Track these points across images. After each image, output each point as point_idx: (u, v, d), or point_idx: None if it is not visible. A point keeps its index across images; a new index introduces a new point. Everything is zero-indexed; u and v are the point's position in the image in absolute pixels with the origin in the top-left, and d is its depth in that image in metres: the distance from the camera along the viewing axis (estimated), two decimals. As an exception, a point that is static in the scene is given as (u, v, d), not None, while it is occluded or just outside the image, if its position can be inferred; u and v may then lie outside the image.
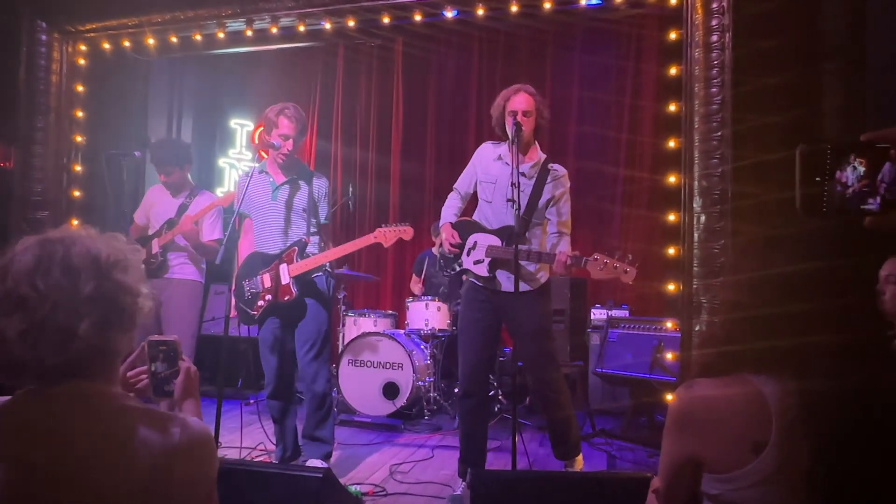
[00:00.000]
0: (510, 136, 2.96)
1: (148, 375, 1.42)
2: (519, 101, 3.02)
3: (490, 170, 3.15)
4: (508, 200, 2.84)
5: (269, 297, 3.29)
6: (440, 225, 3.29)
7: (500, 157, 3.13)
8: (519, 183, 2.82)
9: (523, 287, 2.98)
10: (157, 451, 1.07)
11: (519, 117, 2.98)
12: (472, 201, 3.36)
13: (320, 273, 3.33)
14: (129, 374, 1.41)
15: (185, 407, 1.40)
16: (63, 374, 1.09)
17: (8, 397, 1.12)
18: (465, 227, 3.20)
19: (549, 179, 3.08)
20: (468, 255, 3.14)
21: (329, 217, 3.46)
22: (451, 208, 3.29)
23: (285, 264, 3.25)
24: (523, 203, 2.94)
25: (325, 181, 3.45)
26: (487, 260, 3.07)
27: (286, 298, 3.25)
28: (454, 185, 3.34)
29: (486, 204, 3.17)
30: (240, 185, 3.45)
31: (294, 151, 3.33)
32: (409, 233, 3.24)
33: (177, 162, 3.86)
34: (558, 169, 3.13)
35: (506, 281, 3.04)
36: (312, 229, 3.37)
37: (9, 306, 1.07)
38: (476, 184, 3.22)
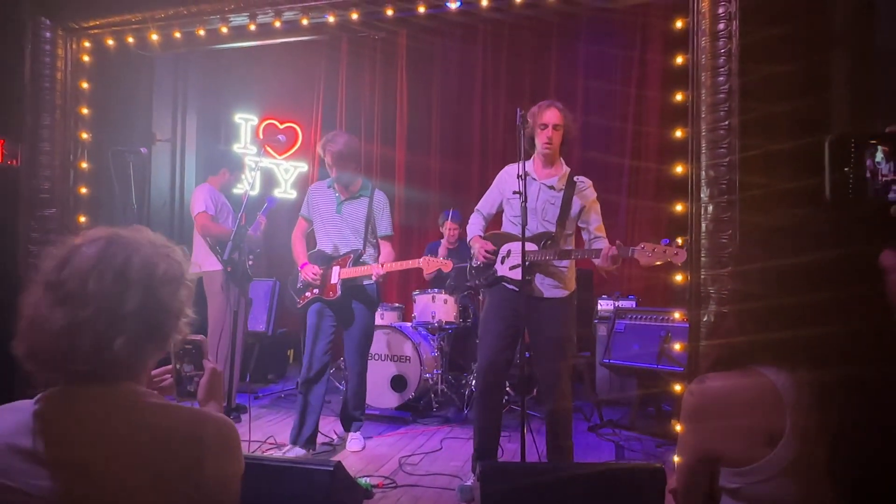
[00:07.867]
0: (538, 148, 3.15)
1: (173, 374, 1.39)
2: (550, 115, 3.14)
3: (516, 187, 3.19)
4: (515, 193, 2.93)
5: (315, 291, 3.66)
6: (468, 240, 3.42)
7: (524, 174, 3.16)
8: (525, 175, 2.91)
9: (557, 293, 3.15)
10: (188, 447, 1.06)
11: (549, 131, 3.12)
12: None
13: (372, 282, 3.65)
14: (153, 372, 1.37)
15: (208, 408, 1.37)
16: (91, 379, 1.08)
17: (32, 400, 1.10)
18: (496, 238, 3.32)
19: (575, 191, 3.19)
20: (502, 262, 3.23)
21: (390, 227, 3.75)
22: (475, 225, 3.41)
23: (338, 266, 3.62)
24: (555, 214, 3.16)
25: (384, 195, 3.80)
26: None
27: (331, 295, 3.63)
28: (476, 207, 3.45)
29: (517, 219, 3.18)
30: (310, 194, 3.91)
31: (343, 175, 3.66)
32: (449, 266, 3.52)
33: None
34: (584, 181, 3.24)
35: (541, 285, 3.16)
36: (370, 240, 3.72)
37: (58, 297, 1.06)
38: (502, 203, 3.33)
